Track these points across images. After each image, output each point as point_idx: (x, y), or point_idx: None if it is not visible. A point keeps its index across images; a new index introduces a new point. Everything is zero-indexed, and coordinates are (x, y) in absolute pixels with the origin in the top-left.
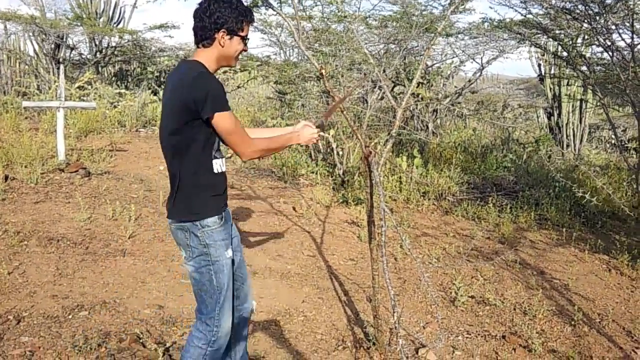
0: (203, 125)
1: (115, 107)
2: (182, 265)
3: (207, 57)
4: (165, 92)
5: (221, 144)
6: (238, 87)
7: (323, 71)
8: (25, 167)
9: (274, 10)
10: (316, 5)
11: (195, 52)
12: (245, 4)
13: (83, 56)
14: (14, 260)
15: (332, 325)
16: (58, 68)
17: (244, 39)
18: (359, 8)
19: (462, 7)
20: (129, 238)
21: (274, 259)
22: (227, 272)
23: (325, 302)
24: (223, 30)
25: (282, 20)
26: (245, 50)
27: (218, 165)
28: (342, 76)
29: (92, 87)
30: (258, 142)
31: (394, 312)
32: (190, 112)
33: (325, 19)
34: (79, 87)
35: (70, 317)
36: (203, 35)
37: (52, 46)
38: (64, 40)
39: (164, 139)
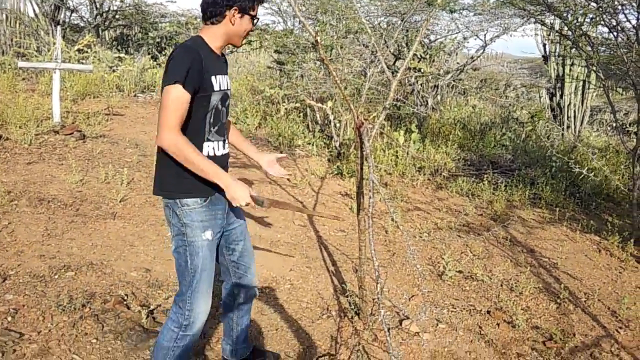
0: (192, 102)
1: (114, 71)
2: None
3: (212, 33)
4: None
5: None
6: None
7: (318, 38)
8: (20, 127)
9: None
10: None
11: (201, 29)
12: None
13: (84, 19)
14: (3, 220)
15: (318, 294)
16: (57, 30)
17: (254, 18)
18: None
19: None
20: (120, 201)
21: (264, 227)
22: (202, 254)
23: (313, 272)
24: (235, 8)
25: None
26: (253, 30)
27: (210, 147)
28: (341, 47)
29: (91, 50)
30: (186, 144)
31: (377, 283)
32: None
33: None
34: (78, 50)
35: (56, 277)
36: (214, 11)
37: (52, 8)
38: (64, 2)
39: (158, 114)
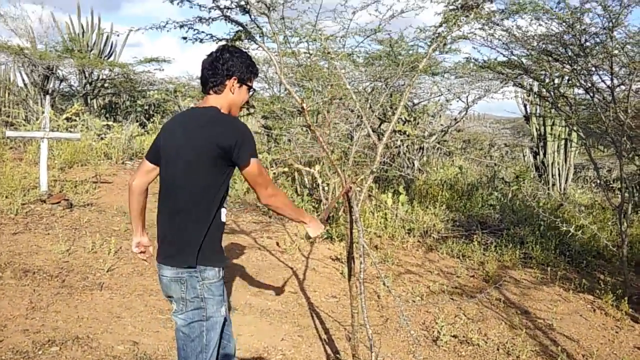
0: (229, 171)
1: (102, 139)
2: (172, 318)
3: (220, 103)
4: (174, 137)
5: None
6: None
7: (304, 105)
8: (6, 197)
9: (257, 44)
10: (301, 41)
11: (206, 99)
12: (228, 37)
13: (72, 88)
14: None
15: None
16: (46, 99)
17: (250, 89)
18: (344, 45)
19: (448, 48)
20: (107, 271)
21: (254, 295)
22: (218, 330)
23: (305, 341)
24: (234, 77)
25: (269, 56)
26: (249, 102)
27: (224, 213)
28: (328, 112)
29: (80, 118)
30: (281, 193)
31: (371, 352)
32: (222, 155)
33: (310, 55)
34: (66, 119)
35: (40, 352)
36: (215, 81)
37: (41, 77)
38: (54, 71)
39: (182, 178)
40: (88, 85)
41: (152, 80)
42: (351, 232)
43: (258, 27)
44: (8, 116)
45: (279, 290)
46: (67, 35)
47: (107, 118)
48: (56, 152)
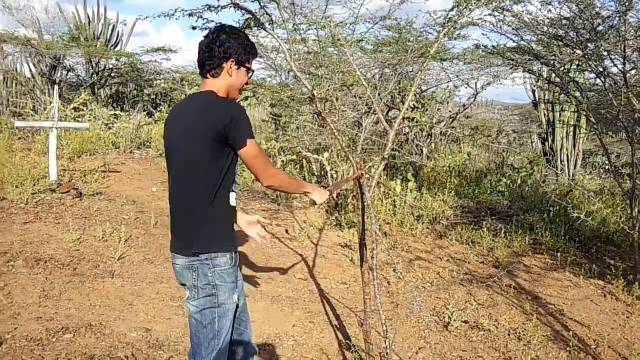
0: (230, 154)
1: (110, 128)
2: (185, 305)
3: (218, 86)
4: (175, 125)
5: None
6: None
7: (315, 92)
8: (16, 187)
9: (267, 32)
10: (310, 29)
11: (203, 83)
12: (238, 25)
13: (80, 77)
14: None
15: (322, 351)
16: (53, 89)
17: (249, 70)
18: (353, 31)
19: (457, 34)
20: (118, 259)
21: (265, 282)
22: (230, 316)
23: (316, 327)
24: (232, 59)
25: (277, 43)
26: (248, 84)
27: (233, 198)
28: (337, 99)
29: (87, 108)
30: (280, 172)
31: (385, 338)
32: (220, 138)
33: (319, 42)
34: (74, 108)
35: (54, 339)
36: (212, 64)
37: (48, 67)
38: (61, 61)
39: (184, 165)
40: (95, 74)
41: (159, 70)
42: (363, 219)
43: (267, 13)
44: (16, 106)
45: (285, 272)
46: (73, 25)
47: (114, 107)
48: (65, 142)
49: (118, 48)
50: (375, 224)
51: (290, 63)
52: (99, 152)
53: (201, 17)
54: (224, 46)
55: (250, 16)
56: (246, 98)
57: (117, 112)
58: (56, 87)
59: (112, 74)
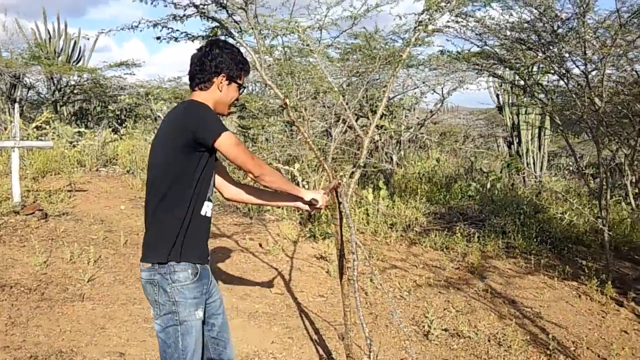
0: (201, 159)
1: (74, 146)
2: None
3: (203, 98)
4: (157, 132)
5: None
6: None
7: (287, 101)
8: None
9: (235, 40)
10: (277, 35)
11: (191, 96)
12: (204, 34)
13: (41, 95)
14: None
15: None
16: (14, 108)
17: (240, 87)
18: (319, 41)
19: (422, 40)
20: (87, 281)
21: (241, 298)
22: (195, 334)
23: (296, 342)
24: (223, 74)
25: (248, 52)
26: (238, 100)
27: (208, 208)
28: (306, 109)
29: (50, 126)
30: (269, 168)
31: (370, 351)
32: (189, 143)
33: (288, 49)
34: (36, 127)
35: None
36: (202, 78)
37: (8, 86)
38: (21, 79)
39: (155, 171)
40: (57, 92)
41: (123, 85)
42: (341, 230)
43: (236, 22)
44: None
45: (262, 287)
46: (33, 42)
47: (78, 125)
48: (28, 162)
49: (80, 64)
50: (354, 234)
51: (261, 72)
52: (64, 171)
53: (166, 27)
54: (216, 60)
55: (218, 25)
56: None
57: (82, 130)
58: (17, 105)
59: (75, 91)
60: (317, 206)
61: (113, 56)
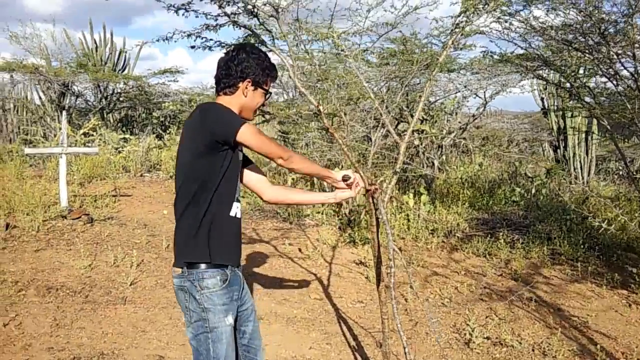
0: (224, 159)
1: (119, 152)
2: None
3: (227, 102)
4: (181, 138)
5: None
6: None
7: (320, 108)
8: (27, 214)
9: (267, 47)
10: (314, 40)
11: (216, 99)
12: (237, 40)
13: (89, 103)
14: (10, 312)
15: None
16: (62, 115)
17: (266, 93)
18: (358, 44)
19: (463, 44)
20: (130, 285)
21: (279, 303)
22: (225, 340)
23: (334, 348)
24: (248, 80)
25: (281, 59)
26: (264, 105)
27: (237, 209)
28: (346, 114)
29: (97, 133)
30: (299, 154)
31: (408, 358)
32: (210, 144)
33: (324, 55)
34: (84, 134)
35: None
36: (227, 82)
37: (57, 94)
38: (69, 87)
39: (180, 174)
40: (104, 99)
41: (167, 92)
42: (378, 236)
43: (267, 30)
44: (27, 134)
45: (301, 289)
46: (80, 51)
47: (123, 131)
48: (75, 168)
49: (126, 72)
50: (392, 240)
51: (294, 79)
52: (110, 176)
53: (200, 36)
54: (242, 65)
55: (250, 33)
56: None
57: (127, 136)
58: (64, 113)
59: (121, 98)
60: (351, 182)
61: (158, 64)
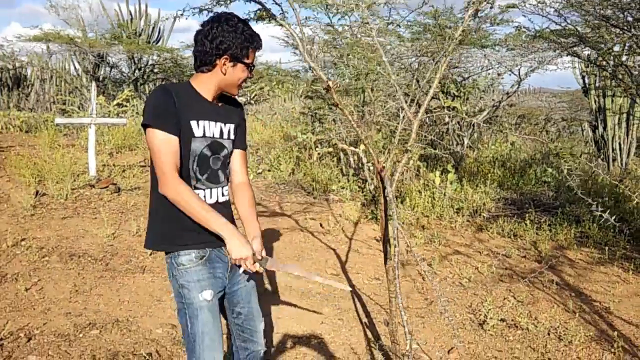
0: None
1: None
2: None
3: (201, 80)
4: None
5: (219, 173)
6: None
7: (330, 83)
8: (57, 183)
9: (277, 22)
10: (344, 16)
11: (193, 76)
12: (248, 17)
13: (123, 74)
14: (33, 277)
15: (351, 349)
16: (96, 86)
17: (249, 66)
18: (389, 19)
19: (499, 19)
20: (150, 254)
21: (295, 277)
22: (202, 317)
23: (345, 324)
24: (226, 56)
25: (314, 36)
26: (251, 77)
27: (201, 195)
28: (372, 90)
29: (130, 104)
30: (184, 189)
31: (407, 340)
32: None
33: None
34: (117, 105)
35: (81, 335)
36: (203, 60)
37: (92, 65)
38: (104, 58)
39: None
40: (137, 71)
41: None
42: (386, 214)
43: (277, 4)
44: (64, 103)
45: (325, 265)
46: (116, 22)
47: None
48: (107, 138)
49: (160, 44)
50: (397, 219)
51: (304, 53)
52: (140, 147)
53: (211, 11)
54: (217, 41)
55: (261, 7)
56: (261, 89)
57: None
58: (94, 83)
59: (155, 70)
60: (236, 262)
61: (193, 36)
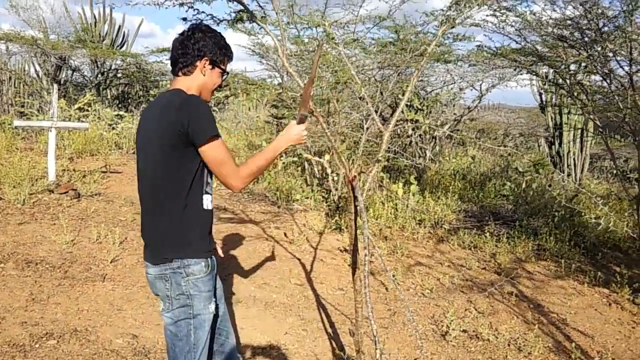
0: (196, 154)
1: (113, 128)
2: (161, 316)
3: (187, 85)
4: (143, 125)
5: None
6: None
7: (314, 112)
8: (14, 187)
9: (258, 24)
10: (307, 28)
11: (174, 81)
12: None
13: (85, 78)
14: None
15: (315, 359)
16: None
17: (223, 73)
18: (353, 32)
19: (461, 35)
20: (110, 262)
21: (259, 287)
22: (207, 328)
23: (310, 335)
24: (206, 58)
25: (271, 36)
26: (221, 86)
27: (208, 200)
28: (338, 100)
29: (91, 108)
30: (244, 168)
31: (376, 349)
32: (181, 138)
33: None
34: (78, 109)
35: (37, 346)
36: (185, 62)
37: (54, 67)
38: (66, 61)
39: (149, 170)
40: (100, 75)
41: (165, 70)
42: (355, 224)
43: (260, 6)
44: (22, 106)
45: (288, 276)
46: (79, 26)
47: (119, 108)
48: (67, 142)
49: (124, 49)
50: (368, 228)
51: (282, 58)
52: (101, 152)
53: (192, 7)
54: (199, 44)
55: (243, 9)
56: (227, 97)
57: (121, 113)
58: (55, 86)
59: (118, 75)
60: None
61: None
